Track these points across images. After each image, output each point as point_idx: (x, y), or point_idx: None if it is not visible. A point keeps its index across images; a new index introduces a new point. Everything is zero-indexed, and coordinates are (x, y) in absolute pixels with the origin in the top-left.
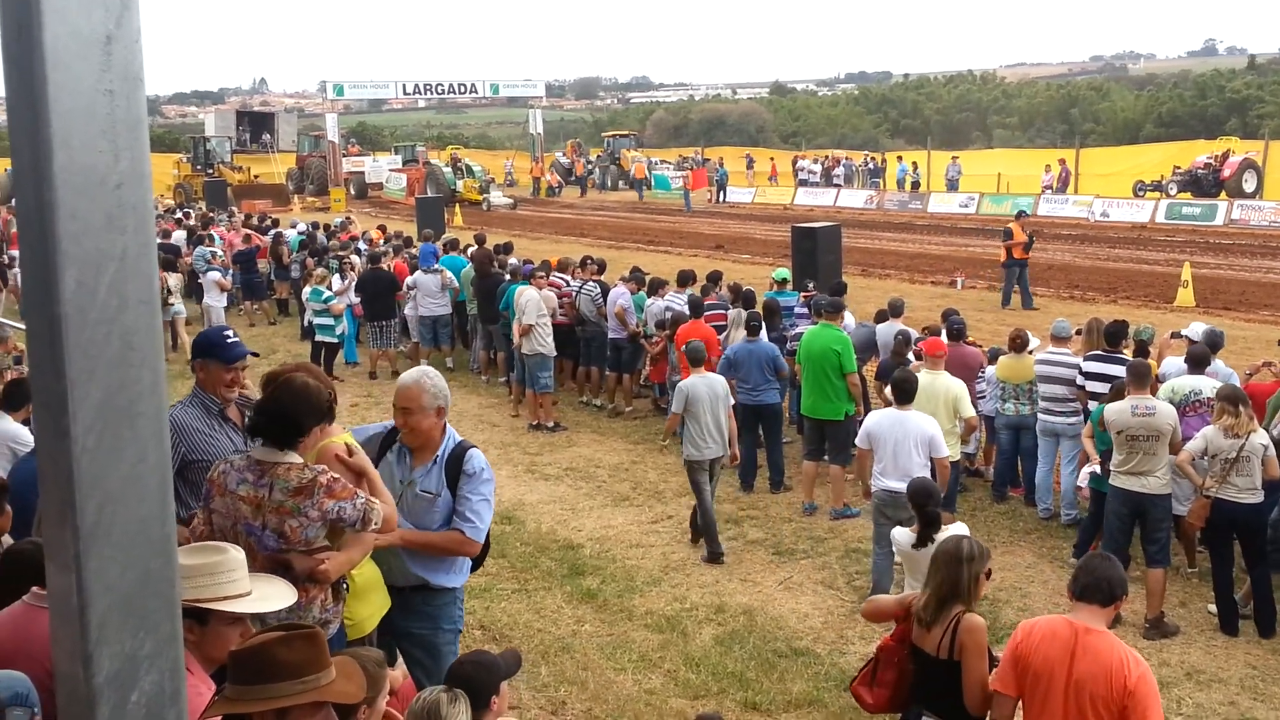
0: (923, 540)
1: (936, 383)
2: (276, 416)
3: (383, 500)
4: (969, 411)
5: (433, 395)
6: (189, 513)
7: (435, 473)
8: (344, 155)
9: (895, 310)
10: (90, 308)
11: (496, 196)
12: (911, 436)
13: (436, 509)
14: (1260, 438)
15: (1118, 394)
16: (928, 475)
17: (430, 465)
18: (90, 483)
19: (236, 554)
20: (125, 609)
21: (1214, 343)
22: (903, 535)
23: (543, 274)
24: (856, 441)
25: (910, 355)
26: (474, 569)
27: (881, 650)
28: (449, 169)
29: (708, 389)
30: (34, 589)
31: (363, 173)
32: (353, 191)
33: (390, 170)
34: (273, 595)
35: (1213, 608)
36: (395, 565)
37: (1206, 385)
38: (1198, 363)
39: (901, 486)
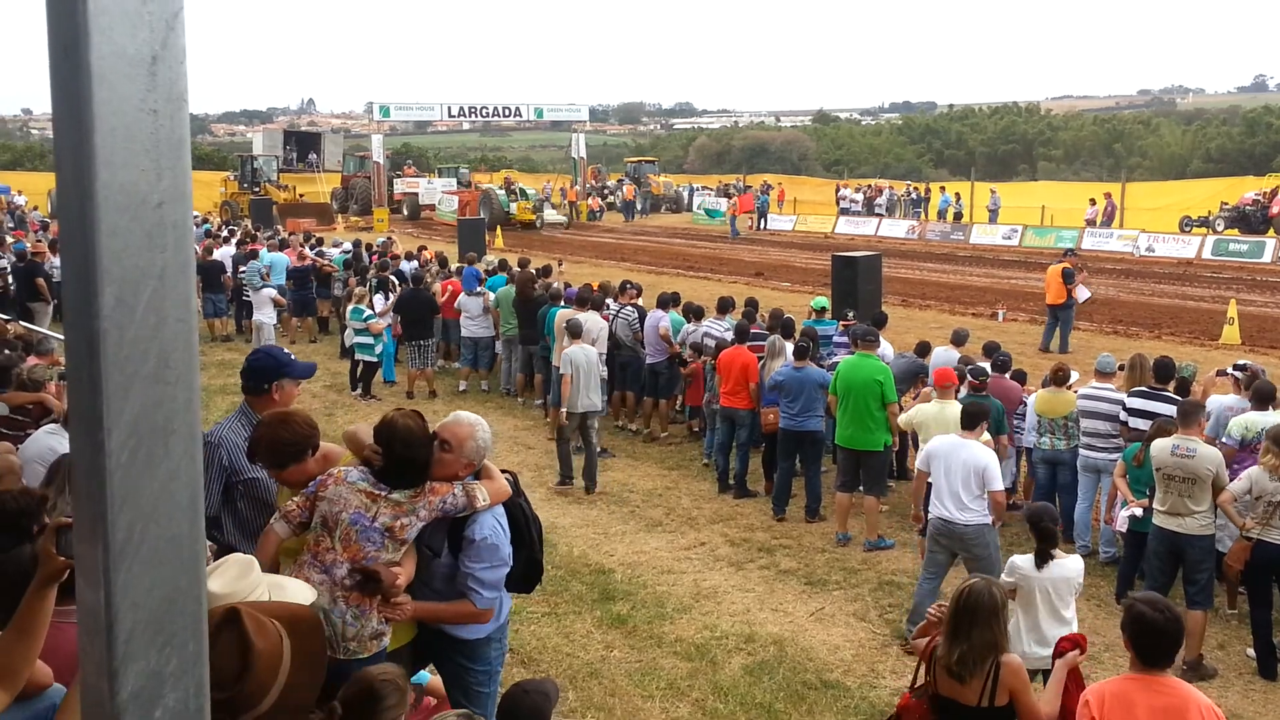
0: (1043, 558)
1: (945, 412)
2: (413, 465)
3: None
4: (983, 437)
5: (476, 448)
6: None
7: (441, 529)
8: (398, 176)
9: (959, 340)
10: (129, 325)
11: (550, 214)
12: (966, 464)
13: (435, 568)
14: None
15: (1159, 431)
16: (984, 507)
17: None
18: (122, 498)
19: (253, 565)
20: (152, 626)
21: (1252, 381)
22: (1022, 560)
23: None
24: (916, 464)
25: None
26: (527, 591)
27: (902, 709)
28: (503, 192)
29: (585, 357)
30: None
31: (416, 194)
32: (405, 212)
33: (444, 192)
34: (292, 591)
35: (1251, 651)
36: None
37: (1275, 421)
38: (1264, 399)
39: (953, 516)
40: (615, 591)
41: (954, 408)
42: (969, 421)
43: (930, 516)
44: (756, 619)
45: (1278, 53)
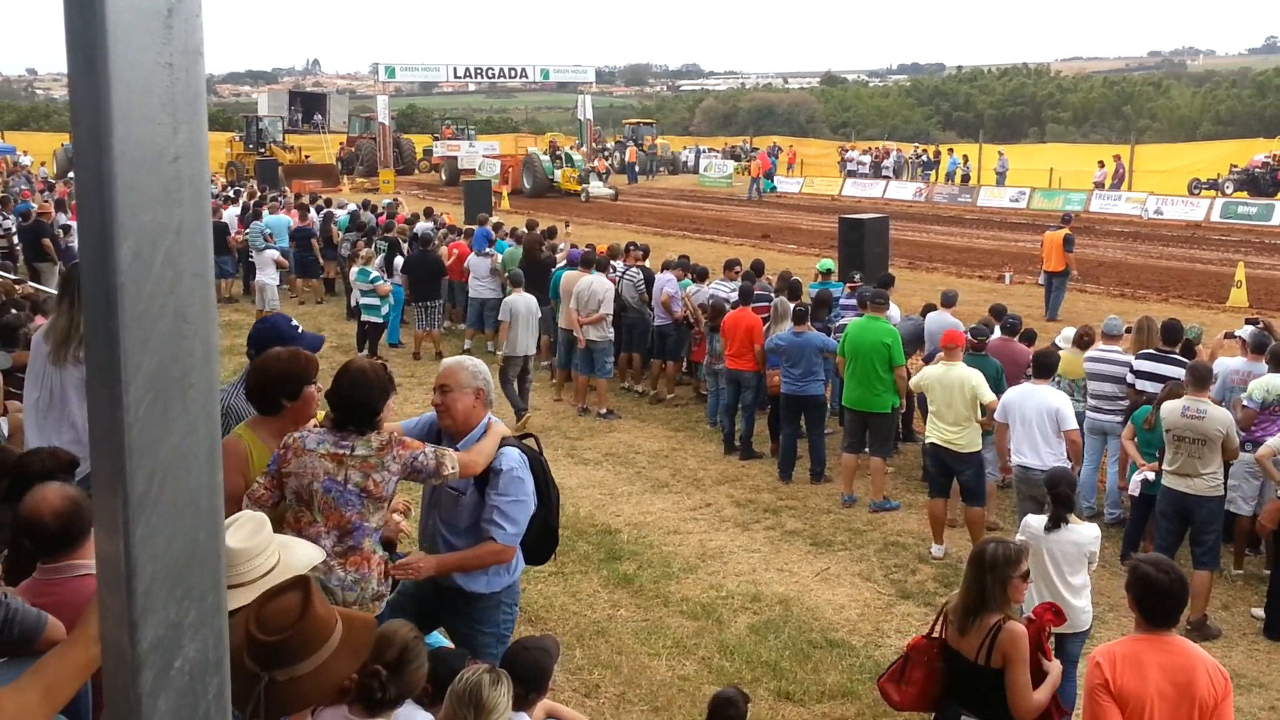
0: (1055, 522)
1: (951, 373)
2: (356, 405)
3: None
4: (988, 397)
5: (471, 374)
6: None
7: None
8: (437, 139)
9: (948, 301)
10: (145, 280)
11: (596, 186)
12: (1039, 409)
13: (461, 507)
14: None
15: (1170, 394)
16: (1062, 450)
17: None
18: (141, 452)
19: (265, 522)
20: (171, 578)
21: (1261, 344)
22: (1035, 520)
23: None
24: (995, 416)
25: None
26: (540, 562)
27: (912, 649)
28: (547, 157)
29: (524, 304)
30: (40, 565)
31: (455, 158)
32: (444, 177)
33: (485, 156)
34: (300, 552)
35: (1257, 611)
36: None
37: None
38: (1279, 361)
39: (1032, 462)
40: (622, 551)
41: (959, 369)
42: (1040, 370)
43: (1014, 464)
44: (762, 579)
45: None
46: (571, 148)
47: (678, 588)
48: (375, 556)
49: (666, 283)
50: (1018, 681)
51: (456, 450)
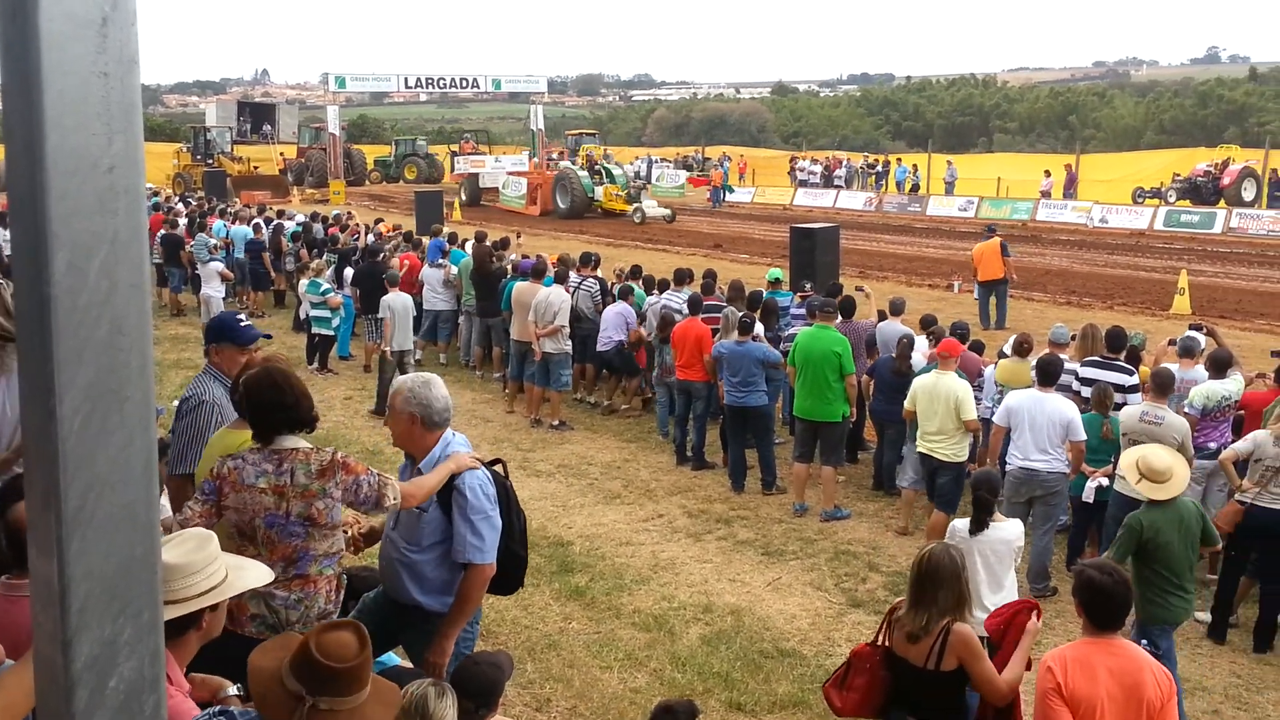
0: (978, 525)
1: (940, 383)
2: (281, 406)
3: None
4: (970, 414)
5: (405, 398)
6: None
7: None
8: (456, 154)
9: (896, 309)
10: (80, 290)
11: (650, 206)
12: (1051, 417)
13: (424, 524)
14: None
15: (1101, 397)
16: (1064, 457)
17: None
18: (75, 466)
19: (211, 539)
20: (107, 594)
21: (1188, 350)
22: (960, 524)
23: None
24: (995, 419)
25: (914, 357)
26: (506, 591)
27: (855, 656)
28: (585, 173)
29: (401, 303)
30: (4, 579)
31: (477, 175)
32: (464, 197)
33: (509, 173)
34: (250, 570)
35: (1201, 615)
36: (394, 581)
37: (1234, 389)
38: (1220, 367)
39: (1038, 464)
40: (574, 563)
41: (949, 380)
42: (1045, 378)
43: (1011, 467)
44: (714, 589)
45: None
46: (604, 160)
47: (630, 599)
48: (324, 578)
49: (623, 312)
50: (983, 674)
51: (421, 471)
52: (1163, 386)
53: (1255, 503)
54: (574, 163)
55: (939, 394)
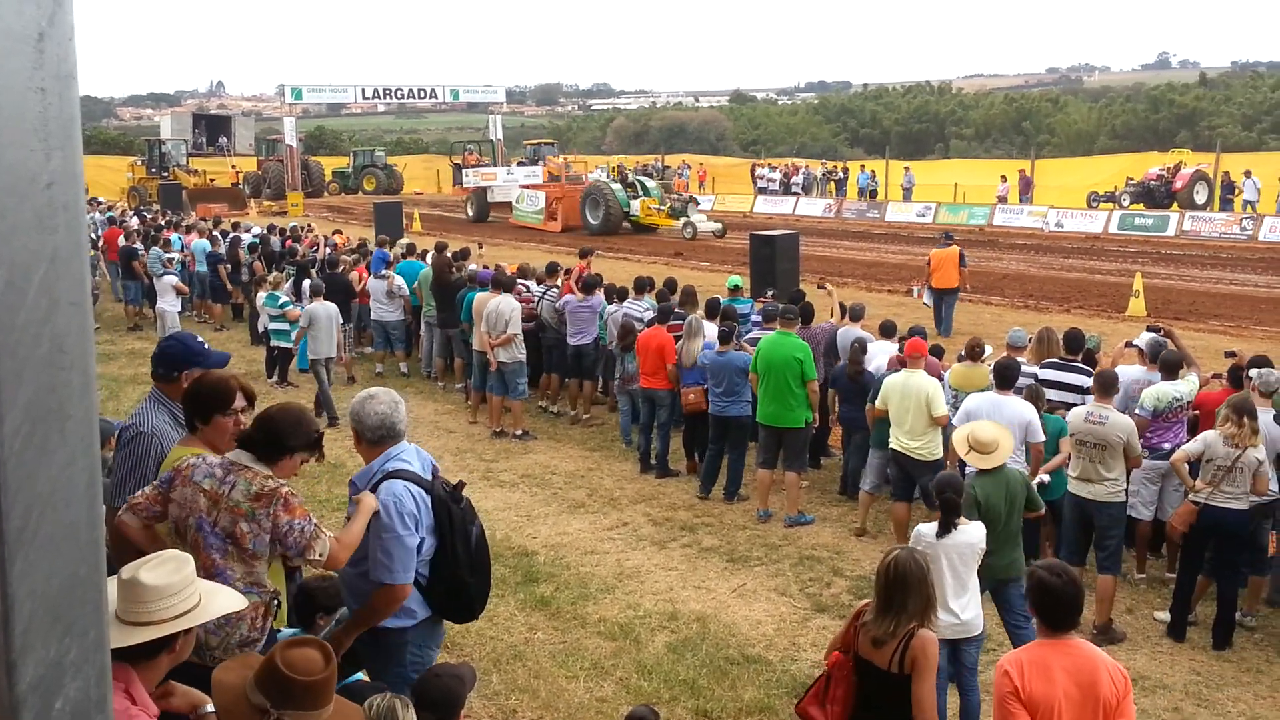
0: (945, 528)
1: (910, 381)
2: (269, 430)
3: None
4: (940, 411)
5: (353, 419)
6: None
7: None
8: (459, 165)
9: (855, 315)
10: (20, 308)
11: (701, 220)
12: (1010, 420)
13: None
14: (1258, 452)
15: (1032, 395)
16: (1024, 459)
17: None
18: (18, 486)
19: (188, 561)
20: (51, 615)
21: (1156, 352)
22: (926, 528)
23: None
24: (954, 421)
25: (866, 361)
26: (457, 619)
27: (834, 667)
28: (619, 185)
29: (324, 311)
30: None
31: (486, 189)
32: (471, 213)
33: (524, 186)
34: (222, 595)
35: (1160, 614)
36: (345, 597)
37: (1185, 390)
38: (1171, 369)
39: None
40: (539, 573)
41: (919, 378)
42: (1003, 381)
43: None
44: (679, 597)
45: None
46: (637, 172)
47: (595, 608)
48: (248, 604)
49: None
50: (921, 693)
51: (358, 486)
52: (1105, 387)
53: (1208, 502)
54: (604, 175)
55: (910, 392)
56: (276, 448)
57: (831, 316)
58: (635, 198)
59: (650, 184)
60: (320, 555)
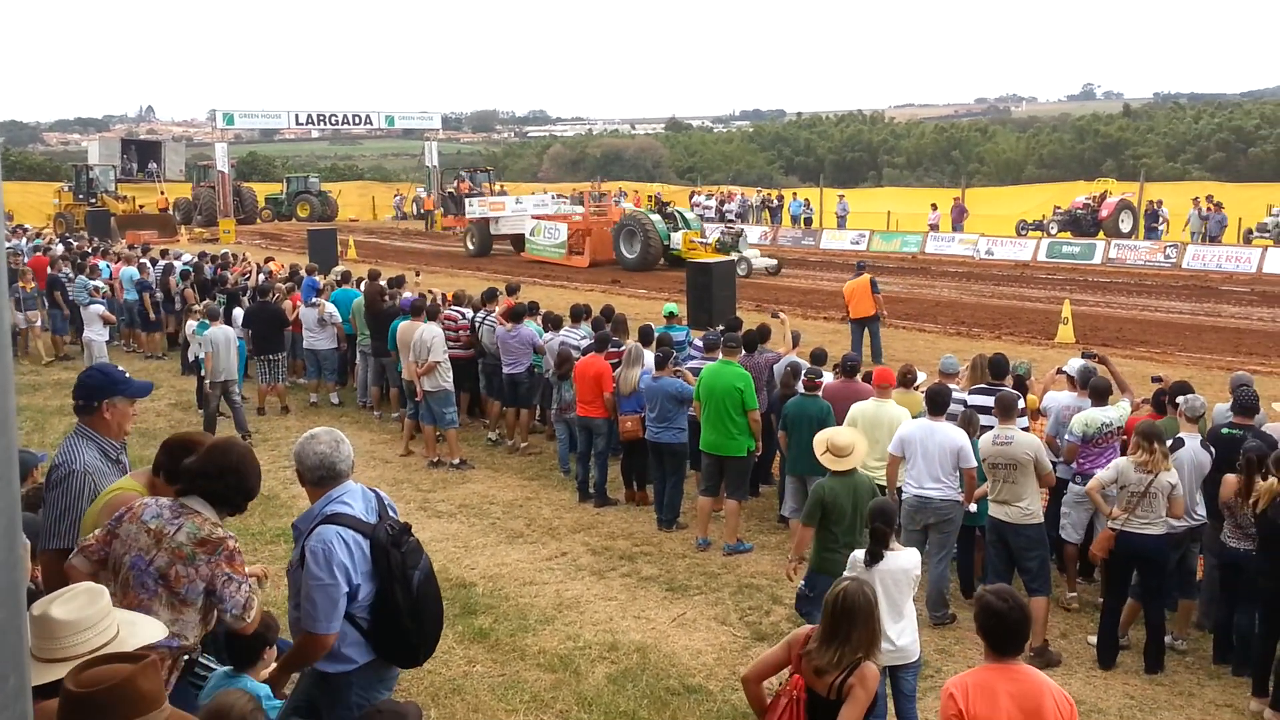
0: (873, 557)
1: (882, 411)
2: (235, 487)
3: None
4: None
5: (295, 459)
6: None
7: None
8: (451, 194)
9: (792, 343)
10: None
11: (754, 255)
12: (942, 445)
13: (304, 581)
14: (1170, 476)
15: (964, 423)
16: (957, 484)
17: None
18: None
19: (103, 593)
20: None
21: (1085, 379)
22: (858, 555)
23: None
24: (889, 449)
25: (799, 386)
26: (404, 664)
27: (795, 687)
28: (657, 217)
29: (223, 335)
30: None
31: (489, 220)
32: (471, 247)
33: (536, 217)
34: (141, 625)
35: (1093, 639)
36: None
37: (1115, 415)
38: (1100, 395)
39: (932, 492)
40: (477, 605)
41: (889, 408)
42: (935, 407)
43: (907, 495)
44: (619, 627)
45: (1104, 63)
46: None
47: (535, 640)
48: (155, 653)
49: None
50: (851, 715)
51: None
52: (1006, 409)
53: (1124, 529)
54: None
55: (881, 422)
56: (244, 495)
57: (783, 345)
58: (676, 230)
59: (690, 215)
60: (250, 620)
